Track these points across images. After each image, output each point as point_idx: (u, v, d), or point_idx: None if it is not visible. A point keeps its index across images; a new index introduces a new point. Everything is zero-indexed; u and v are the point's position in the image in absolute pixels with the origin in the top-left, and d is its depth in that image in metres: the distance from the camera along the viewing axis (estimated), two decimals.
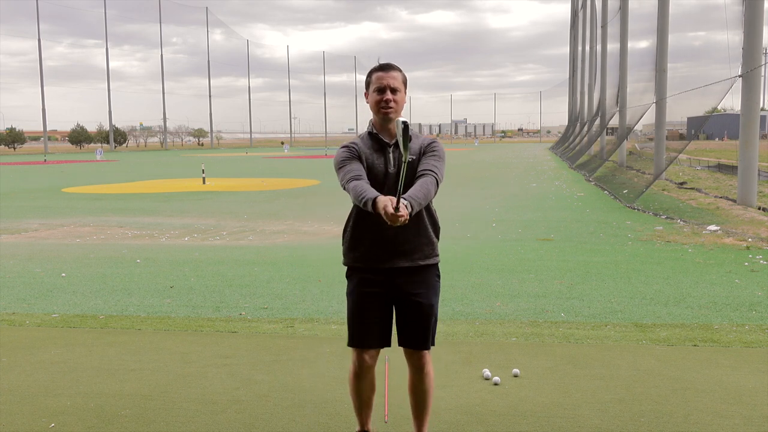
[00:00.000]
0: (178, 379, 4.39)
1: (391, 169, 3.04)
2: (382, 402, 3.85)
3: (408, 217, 2.69)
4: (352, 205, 3.10)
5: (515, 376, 4.37)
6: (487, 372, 4.36)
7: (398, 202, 2.66)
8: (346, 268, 3.21)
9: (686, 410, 3.80)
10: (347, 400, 3.51)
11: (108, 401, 4.01)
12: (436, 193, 2.96)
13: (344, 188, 2.98)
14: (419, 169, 3.00)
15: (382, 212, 2.68)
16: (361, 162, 3.04)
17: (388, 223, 2.69)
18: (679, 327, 5.54)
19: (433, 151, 3.06)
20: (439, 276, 3.21)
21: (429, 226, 3.13)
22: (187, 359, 4.79)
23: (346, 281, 3.23)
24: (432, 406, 3.34)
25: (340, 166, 3.04)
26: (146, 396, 4.09)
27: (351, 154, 3.05)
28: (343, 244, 3.18)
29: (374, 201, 2.75)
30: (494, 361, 4.65)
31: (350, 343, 3.17)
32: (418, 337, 3.13)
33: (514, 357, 4.75)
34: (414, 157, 3.04)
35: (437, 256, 3.18)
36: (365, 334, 3.12)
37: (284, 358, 4.80)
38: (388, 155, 3.06)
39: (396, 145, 3.06)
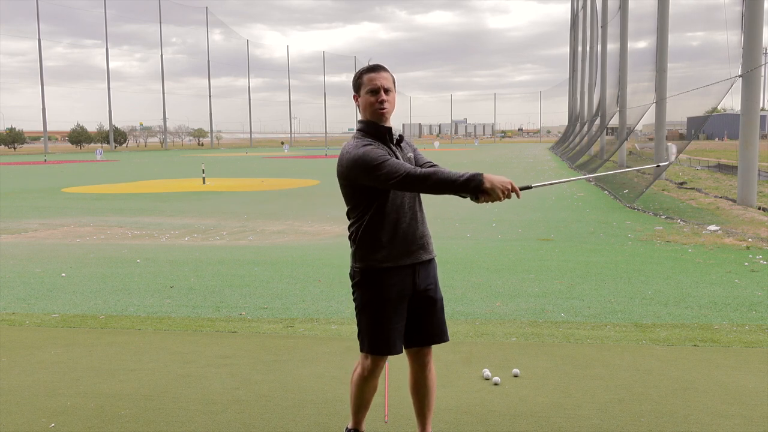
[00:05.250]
0: (178, 379, 4.39)
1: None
2: (382, 402, 3.84)
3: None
4: (355, 205, 3.00)
5: (515, 376, 4.37)
6: (487, 372, 4.36)
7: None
8: (357, 272, 3.04)
9: (686, 410, 3.80)
10: (347, 399, 3.51)
11: (108, 401, 4.01)
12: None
13: (402, 181, 2.80)
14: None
15: (500, 186, 2.73)
16: None
17: (501, 198, 2.75)
18: (679, 327, 5.54)
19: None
20: None
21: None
22: (187, 359, 4.79)
23: (347, 281, 3.17)
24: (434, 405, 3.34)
25: (382, 161, 2.82)
26: (146, 396, 4.09)
27: (379, 146, 2.94)
28: (359, 248, 3.00)
29: (482, 177, 2.74)
30: (494, 361, 4.65)
31: (373, 351, 3.05)
32: (439, 330, 3.13)
33: (514, 357, 4.75)
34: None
35: None
36: (394, 341, 3.03)
37: (284, 358, 4.80)
38: (391, 148, 3.01)
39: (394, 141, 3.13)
